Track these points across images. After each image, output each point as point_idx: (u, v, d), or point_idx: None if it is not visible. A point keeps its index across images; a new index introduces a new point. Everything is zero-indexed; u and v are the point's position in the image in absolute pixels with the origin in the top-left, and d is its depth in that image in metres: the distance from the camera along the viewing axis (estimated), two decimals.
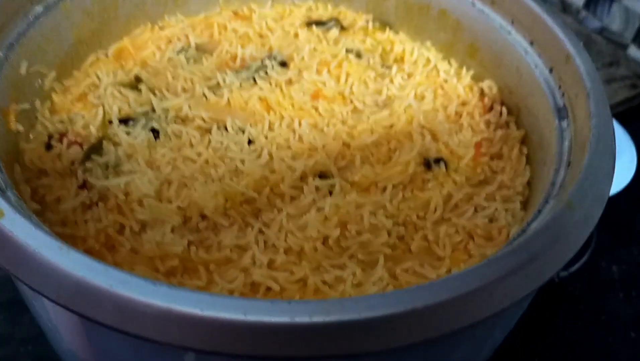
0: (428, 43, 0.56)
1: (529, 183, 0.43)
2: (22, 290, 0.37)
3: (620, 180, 0.59)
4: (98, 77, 0.49)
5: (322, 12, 0.60)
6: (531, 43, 0.47)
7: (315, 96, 0.48)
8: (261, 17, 0.57)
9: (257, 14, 0.58)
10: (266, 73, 0.50)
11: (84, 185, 0.41)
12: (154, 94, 0.47)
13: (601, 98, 0.38)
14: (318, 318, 0.25)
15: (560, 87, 0.43)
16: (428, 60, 0.54)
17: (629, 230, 0.66)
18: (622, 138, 0.62)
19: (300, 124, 0.45)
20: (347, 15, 0.59)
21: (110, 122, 0.45)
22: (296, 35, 0.56)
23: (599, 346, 0.56)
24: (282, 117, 0.46)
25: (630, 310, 0.58)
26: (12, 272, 0.27)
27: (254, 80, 0.49)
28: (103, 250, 0.37)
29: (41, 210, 0.38)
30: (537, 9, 0.46)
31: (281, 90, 0.48)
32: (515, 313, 0.36)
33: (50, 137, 0.44)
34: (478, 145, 0.46)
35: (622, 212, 0.66)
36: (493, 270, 0.27)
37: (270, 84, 0.49)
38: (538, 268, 0.28)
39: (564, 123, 0.40)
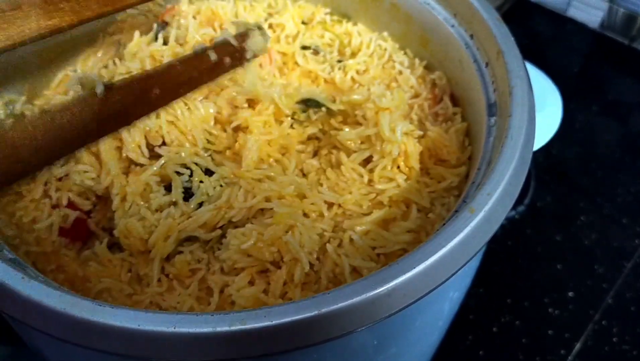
0: (385, 33, 0.60)
1: (467, 176, 0.48)
2: None
3: (547, 130, 0.67)
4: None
5: (282, 7, 0.64)
6: (471, 36, 0.51)
7: None
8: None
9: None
10: None
11: (57, 205, 0.47)
12: None
13: (522, 98, 0.42)
14: (235, 327, 0.31)
15: (493, 82, 0.47)
16: (384, 51, 0.59)
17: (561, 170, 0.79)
18: (547, 88, 0.69)
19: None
20: (306, 8, 0.64)
21: None
22: None
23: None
24: None
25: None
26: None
27: None
28: (74, 264, 0.44)
29: (18, 233, 0.45)
30: (475, 2, 0.50)
31: None
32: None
33: None
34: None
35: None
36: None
37: None
38: (437, 271, 0.34)
39: (492, 120, 0.45)
